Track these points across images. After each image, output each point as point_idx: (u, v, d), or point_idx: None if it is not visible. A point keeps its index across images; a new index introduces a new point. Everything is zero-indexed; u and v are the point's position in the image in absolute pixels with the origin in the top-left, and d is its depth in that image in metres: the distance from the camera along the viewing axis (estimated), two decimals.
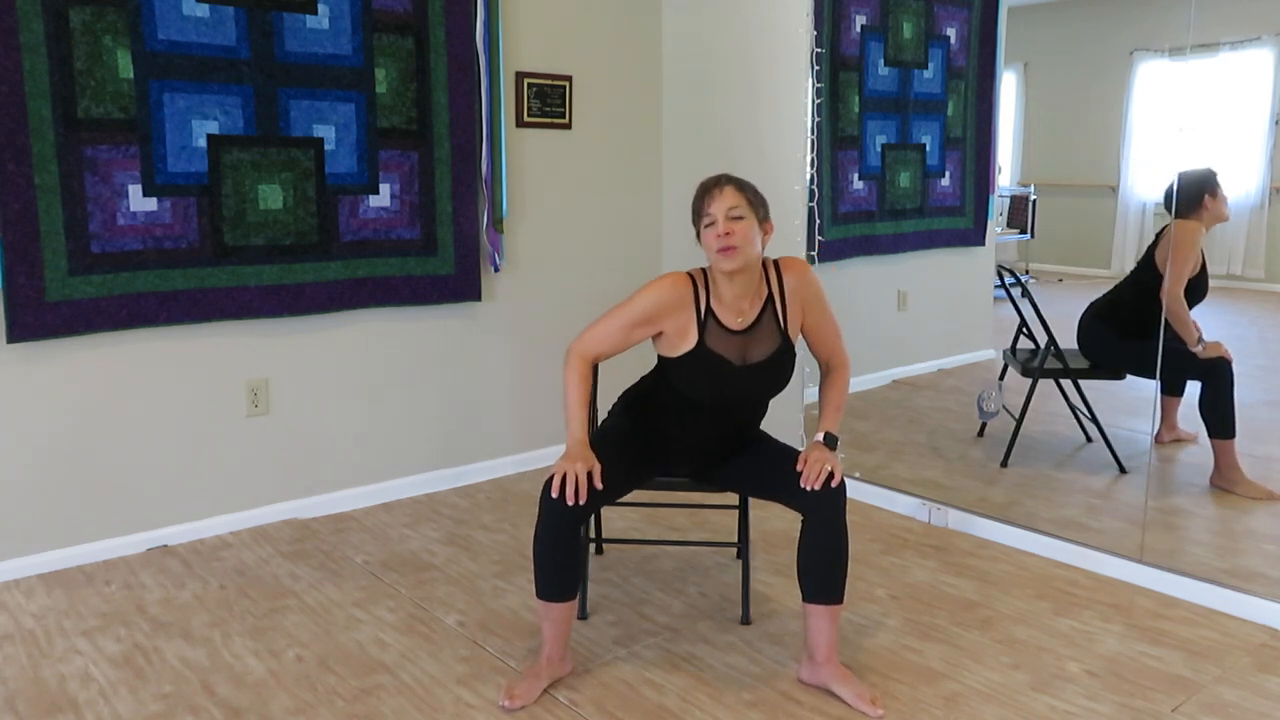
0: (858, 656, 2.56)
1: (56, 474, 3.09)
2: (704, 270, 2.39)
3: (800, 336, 2.46)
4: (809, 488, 2.29)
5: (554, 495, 2.23)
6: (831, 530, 2.32)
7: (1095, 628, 2.71)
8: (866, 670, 2.49)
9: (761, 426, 2.64)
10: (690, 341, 2.35)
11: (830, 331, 2.47)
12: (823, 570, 2.32)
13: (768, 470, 2.45)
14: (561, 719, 2.29)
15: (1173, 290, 3.13)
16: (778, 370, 2.40)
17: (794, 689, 2.40)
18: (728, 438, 2.54)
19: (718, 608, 2.85)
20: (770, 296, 2.38)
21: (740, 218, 2.27)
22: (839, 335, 2.48)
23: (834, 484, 2.30)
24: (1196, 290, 3.19)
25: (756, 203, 2.31)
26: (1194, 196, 3.14)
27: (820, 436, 2.42)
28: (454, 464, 3.91)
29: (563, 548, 2.31)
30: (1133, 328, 3.27)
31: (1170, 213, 3.16)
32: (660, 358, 2.45)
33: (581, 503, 2.22)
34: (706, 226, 2.30)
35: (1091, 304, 3.54)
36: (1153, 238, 3.34)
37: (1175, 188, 3.16)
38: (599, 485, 2.25)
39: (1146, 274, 3.27)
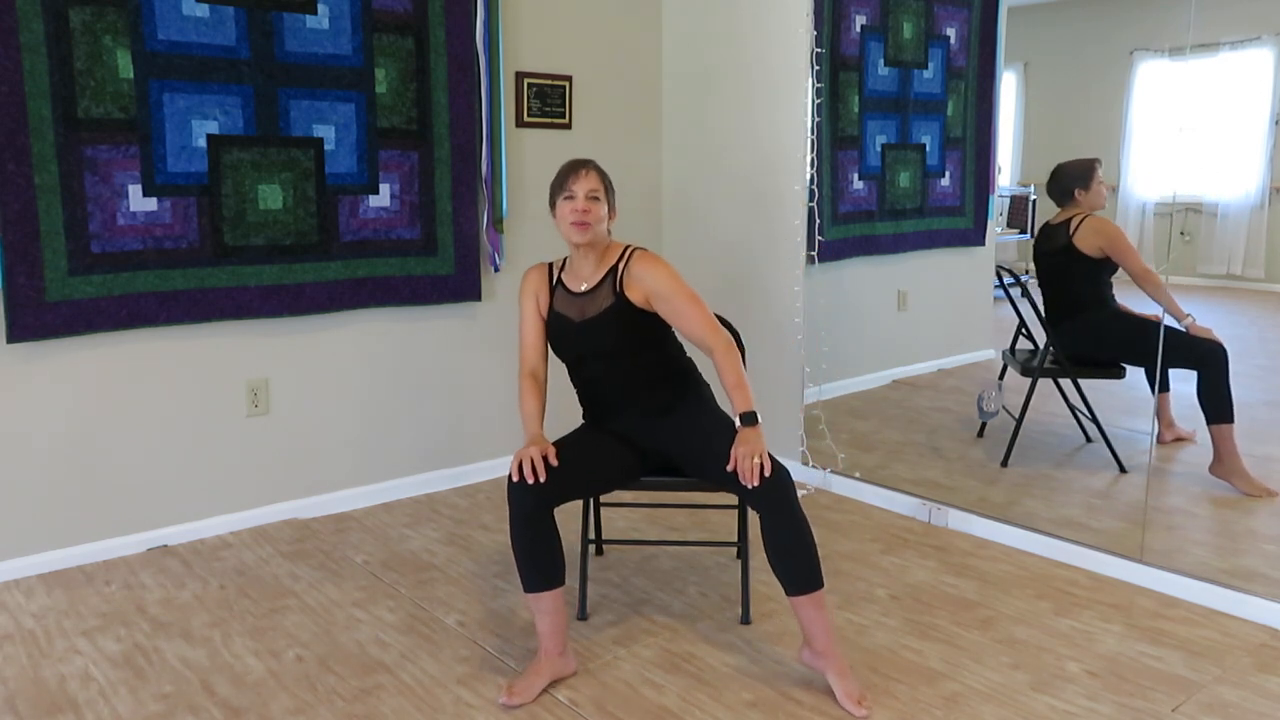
0: (858, 656, 2.56)
1: (56, 474, 3.09)
2: (564, 258, 2.67)
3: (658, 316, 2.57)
4: (748, 484, 2.30)
5: (514, 479, 2.34)
6: (787, 519, 2.32)
7: (1095, 628, 2.71)
8: (866, 670, 2.49)
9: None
10: (545, 307, 2.64)
11: (690, 315, 2.50)
12: (792, 561, 2.33)
13: (714, 466, 2.44)
14: (562, 719, 2.29)
15: (1140, 267, 3.36)
16: (617, 321, 2.55)
17: (794, 689, 2.40)
18: (632, 397, 2.62)
19: (718, 608, 2.85)
20: (613, 268, 2.57)
21: (597, 199, 2.51)
22: (705, 319, 2.50)
23: (768, 473, 2.30)
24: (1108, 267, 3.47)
25: (610, 190, 2.57)
26: (1066, 189, 3.48)
27: (738, 421, 2.40)
28: (454, 464, 3.91)
29: (535, 536, 2.36)
30: (1086, 304, 3.54)
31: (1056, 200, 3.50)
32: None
33: (542, 479, 2.32)
34: (565, 199, 2.52)
35: (1049, 319, 3.62)
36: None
37: (1053, 185, 3.52)
38: (554, 462, 2.37)
39: (1069, 261, 3.51)
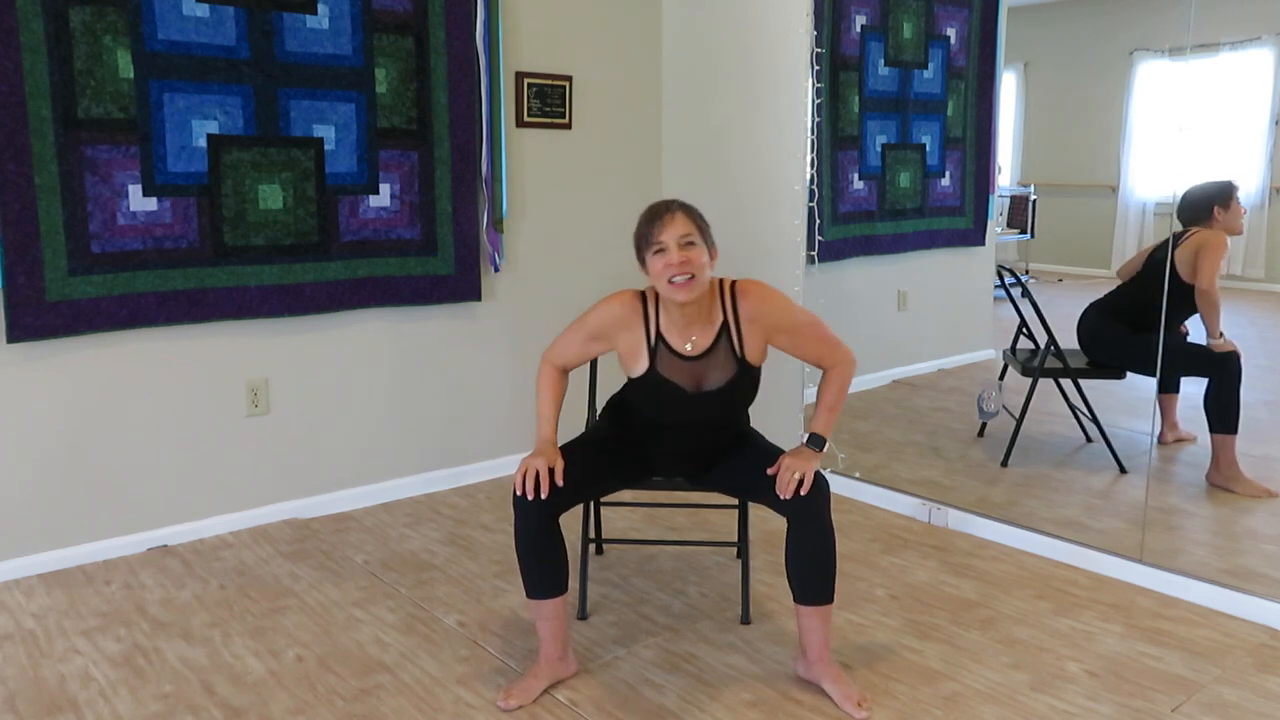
0: (858, 656, 2.56)
1: (56, 474, 3.09)
2: (654, 293, 2.32)
3: (774, 349, 2.41)
4: (782, 496, 2.27)
5: (517, 492, 2.27)
6: (816, 533, 2.30)
7: (1095, 628, 2.71)
8: (866, 670, 2.49)
9: (754, 425, 2.64)
10: (642, 366, 2.33)
11: (810, 340, 2.37)
12: (810, 572, 2.31)
13: (750, 475, 2.41)
14: (562, 719, 2.29)
15: (1209, 284, 3.13)
16: (734, 396, 2.37)
17: (794, 689, 2.40)
18: (703, 449, 2.51)
19: (718, 608, 2.85)
20: (725, 324, 2.31)
21: (693, 244, 2.20)
22: (825, 339, 2.38)
23: (804, 491, 2.24)
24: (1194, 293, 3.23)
25: (706, 229, 2.26)
26: (1203, 208, 3.14)
27: (804, 438, 2.36)
28: (454, 464, 3.91)
29: (539, 544, 2.32)
30: (1141, 321, 3.27)
31: (1182, 221, 3.18)
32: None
33: (543, 496, 2.24)
34: (656, 253, 2.21)
35: (1095, 302, 3.54)
36: (1153, 239, 3.34)
37: (1187, 199, 3.17)
38: (559, 481, 2.26)
39: (1162, 276, 3.28)
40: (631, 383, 2.40)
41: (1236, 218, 3.15)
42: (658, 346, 2.31)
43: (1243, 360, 3.20)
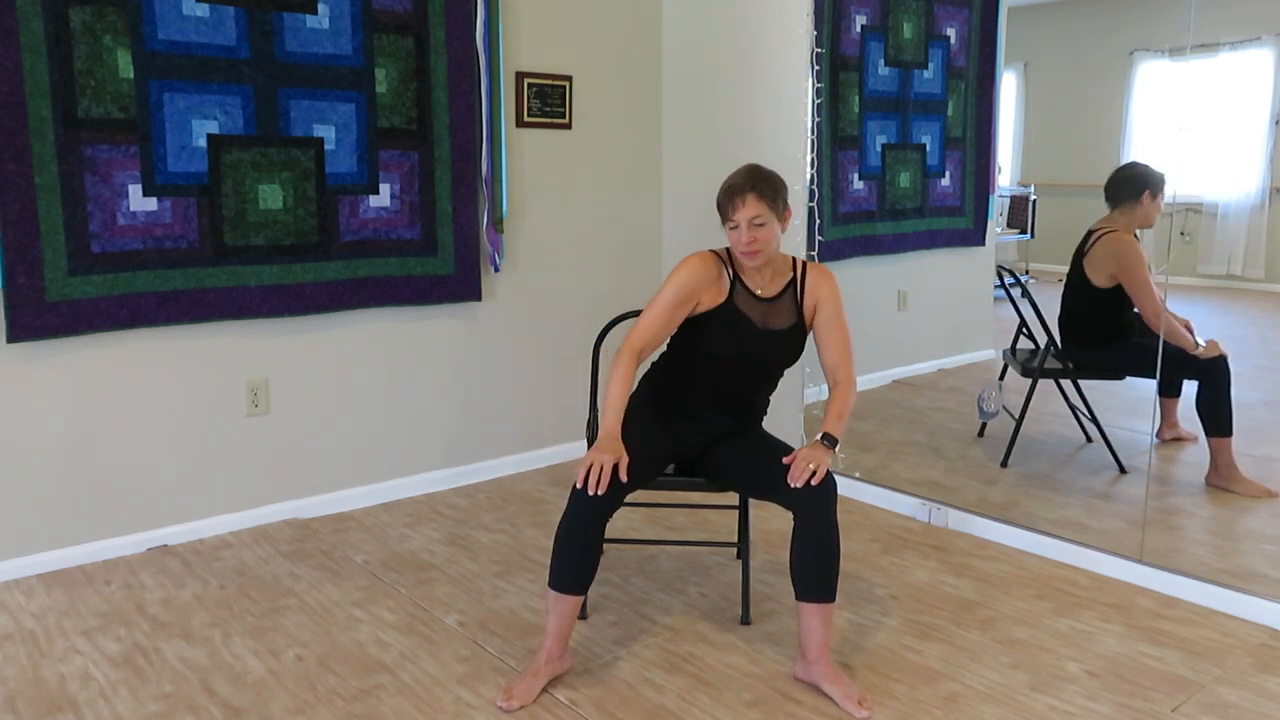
0: (858, 656, 2.56)
1: (56, 474, 3.09)
2: (727, 249, 2.54)
3: (811, 336, 2.59)
4: (794, 484, 2.32)
5: (579, 485, 2.29)
6: (821, 529, 2.33)
7: (1095, 628, 2.71)
8: (866, 670, 2.49)
9: (764, 425, 2.67)
10: (720, 299, 2.51)
11: (839, 340, 2.55)
12: (814, 569, 2.34)
13: (761, 466, 2.47)
14: (562, 719, 2.29)
15: (1154, 308, 3.15)
16: (791, 340, 2.55)
17: (794, 689, 2.40)
18: (735, 407, 2.62)
19: (718, 608, 2.85)
20: (793, 280, 2.55)
21: (762, 225, 2.40)
22: (848, 350, 2.56)
23: (816, 481, 2.32)
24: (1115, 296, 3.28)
25: (778, 202, 2.44)
26: (1133, 191, 3.22)
27: (819, 436, 2.45)
28: (454, 464, 3.91)
29: (587, 538, 2.33)
30: (1101, 334, 3.40)
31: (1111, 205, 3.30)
32: (686, 325, 2.54)
33: (601, 492, 2.27)
34: (730, 228, 2.43)
35: (1060, 317, 3.56)
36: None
37: (1124, 175, 3.26)
38: (624, 478, 2.30)
39: (1080, 287, 3.36)
40: (702, 319, 2.52)
41: (1157, 211, 3.20)
42: (735, 284, 2.52)
43: (1243, 361, 3.20)
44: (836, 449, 2.45)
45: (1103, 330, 3.40)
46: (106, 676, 2.47)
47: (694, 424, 2.60)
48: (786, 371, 2.68)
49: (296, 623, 2.76)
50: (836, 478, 3.77)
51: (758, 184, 2.41)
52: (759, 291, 2.52)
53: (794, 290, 2.54)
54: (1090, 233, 3.38)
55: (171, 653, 2.59)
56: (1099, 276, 3.29)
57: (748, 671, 2.49)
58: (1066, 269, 3.64)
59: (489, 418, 3.98)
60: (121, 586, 2.99)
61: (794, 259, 2.57)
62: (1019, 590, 2.95)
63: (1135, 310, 3.30)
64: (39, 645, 2.63)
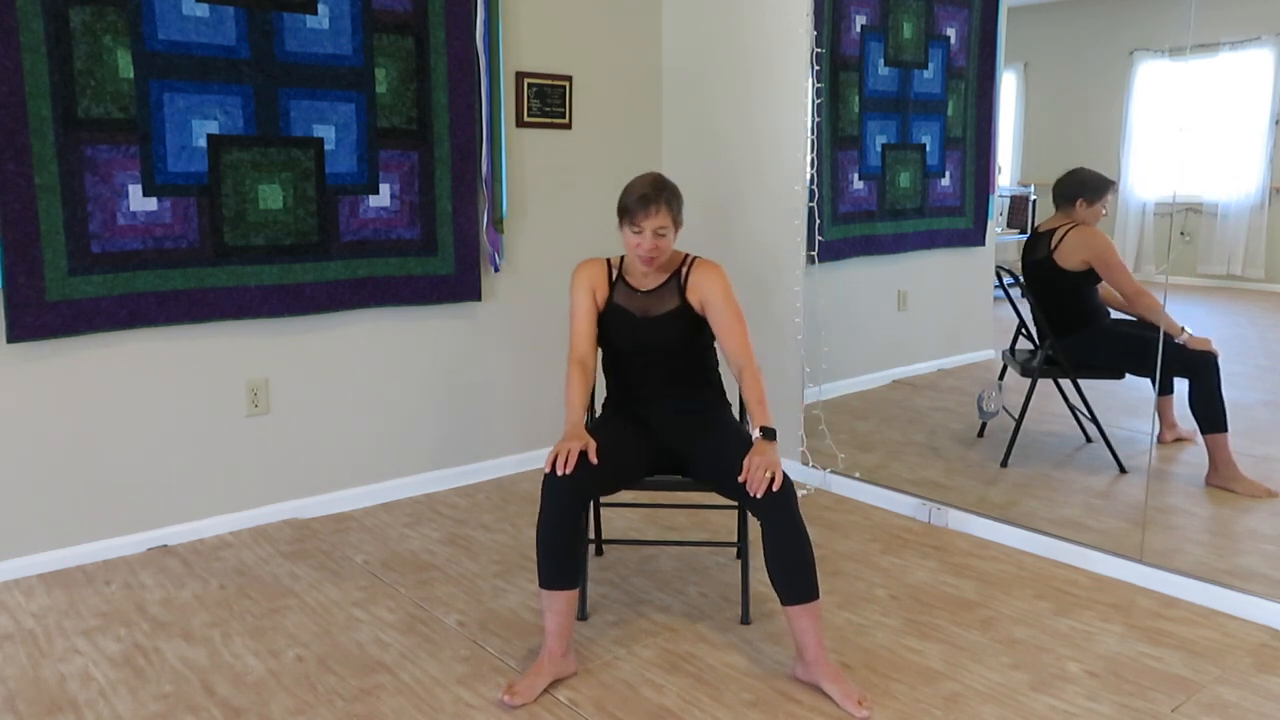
0: (858, 656, 2.56)
1: (56, 474, 3.09)
2: (621, 258, 2.73)
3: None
4: (755, 494, 2.32)
5: (547, 470, 2.36)
6: (789, 531, 2.34)
7: (1095, 628, 2.71)
8: (866, 670, 2.49)
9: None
10: (606, 297, 2.69)
11: (735, 329, 2.61)
12: (791, 571, 2.35)
13: (725, 473, 2.46)
14: (562, 719, 2.29)
15: (1132, 287, 3.32)
16: (678, 322, 2.64)
17: (793, 689, 2.40)
18: (675, 391, 2.70)
19: (718, 608, 2.85)
20: (677, 273, 2.66)
21: (664, 235, 2.55)
22: (744, 335, 2.62)
23: (776, 486, 2.32)
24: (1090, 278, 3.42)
25: (679, 213, 2.59)
26: (1069, 197, 3.43)
27: (756, 433, 2.46)
28: (454, 464, 3.91)
29: (564, 530, 2.36)
30: (1077, 315, 3.51)
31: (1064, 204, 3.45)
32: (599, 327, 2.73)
33: (569, 471, 2.33)
34: (633, 231, 2.55)
35: (1041, 333, 3.60)
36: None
37: (1059, 183, 3.44)
38: (593, 460, 2.38)
39: (1053, 276, 3.47)
40: (600, 320, 2.69)
41: (1096, 216, 3.39)
42: (618, 282, 2.69)
43: (1244, 361, 3.19)
44: (777, 437, 2.46)
45: (1077, 309, 3.51)
46: (106, 676, 2.47)
47: (653, 417, 2.68)
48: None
49: (296, 623, 2.76)
50: (836, 478, 3.81)
51: (670, 198, 2.55)
52: (640, 286, 2.66)
53: (677, 281, 2.65)
54: (1043, 232, 3.50)
55: (171, 653, 2.59)
56: (1071, 262, 3.42)
57: (748, 671, 2.49)
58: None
59: (489, 417, 3.98)
60: (121, 586, 2.99)
61: (686, 256, 2.68)
62: (1019, 590, 2.95)
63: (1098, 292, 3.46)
64: (39, 645, 2.63)
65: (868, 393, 4.11)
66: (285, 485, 3.52)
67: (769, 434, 2.44)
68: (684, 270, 2.65)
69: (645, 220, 2.52)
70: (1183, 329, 3.18)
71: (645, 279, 2.67)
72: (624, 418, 2.71)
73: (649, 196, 2.52)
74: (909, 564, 3.15)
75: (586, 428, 2.53)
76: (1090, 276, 3.42)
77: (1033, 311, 3.62)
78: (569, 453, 2.36)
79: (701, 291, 2.62)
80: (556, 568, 2.37)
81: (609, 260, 2.73)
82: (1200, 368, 3.19)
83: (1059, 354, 3.54)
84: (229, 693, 2.39)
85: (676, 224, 2.59)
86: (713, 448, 2.57)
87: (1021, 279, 3.66)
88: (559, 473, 2.34)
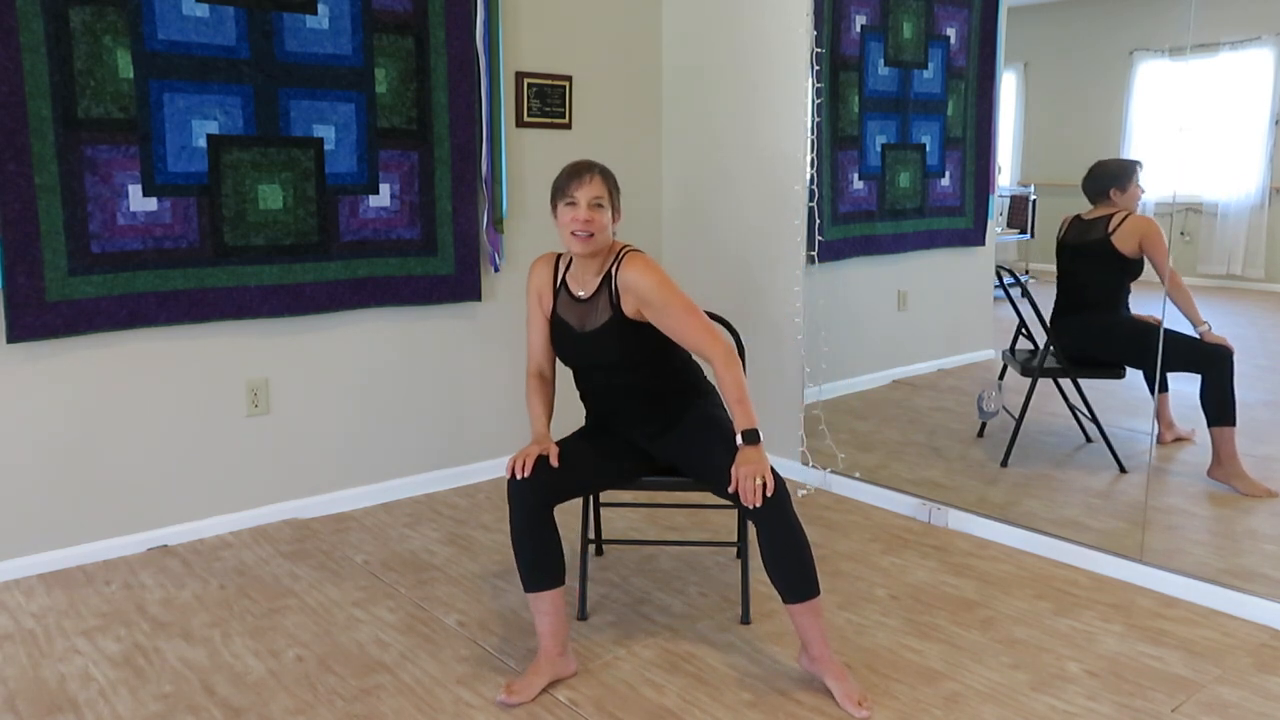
0: (858, 656, 2.56)
1: (56, 474, 3.09)
2: (570, 260, 2.56)
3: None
4: (751, 505, 2.28)
5: (506, 474, 2.38)
6: (784, 532, 2.33)
7: (1095, 628, 2.71)
8: (866, 670, 2.49)
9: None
10: (549, 308, 2.56)
11: (685, 326, 2.41)
12: (789, 571, 2.34)
13: (716, 484, 2.42)
14: (561, 718, 2.29)
15: (1175, 276, 3.27)
16: (616, 334, 2.46)
17: (794, 689, 2.40)
18: (642, 400, 2.56)
19: (718, 608, 2.85)
20: (607, 275, 2.47)
21: (601, 206, 2.40)
22: (700, 329, 2.40)
23: (769, 493, 2.28)
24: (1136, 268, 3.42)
25: (616, 194, 2.46)
26: (1102, 188, 3.42)
27: (739, 439, 2.35)
28: (454, 464, 3.91)
29: (535, 535, 2.37)
30: (1115, 302, 3.50)
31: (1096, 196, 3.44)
32: None
33: (526, 474, 2.34)
34: (567, 204, 2.40)
35: (1059, 312, 3.59)
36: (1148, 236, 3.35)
37: (1089, 177, 3.45)
38: (554, 462, 2.39)
39: (1108, 258, 3.45)
40: (550, 333, 2.59)
41: (1134, 199, 3.37)
42: (560, 290, 2.55)
43: (1243, 361, 3.20)
44: (762, 439, 2.35)
45: (1116, 293, 3.51)
46: (106, 676, 2.47)
47: (627, 425, 2.62)
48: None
49: (296, 623, 2.76)
50: (836, 477, 3.81)
51: (604, 172, 2.44)
52: (579, 293, 2.50)
53: (608, 287, 2.45)
54: (1091, 219, 3.47)
55: (171, 653, 2.59)
56: (1128, 246, 3.39)
57: (748, 671, 2.49)
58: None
59: (489, 417, 3.98)
60: (121, 586, 2.99)
61: (619, 248, 2.49)
62: (1019, 590, 2.95)
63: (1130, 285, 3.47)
64: (39, 645, 2.63)
65: (868, 393, 4.11)
66: (285, 485, 3.52)
67: (751, 438, 2.33)
68: (614, 270, 2.44)
69: (579, 190, 2.37)
70: (1205, 323, 3.21)
71: (584, 279, 2.48)
72: (598, 429, 2.65)
73: (581, 167, 2.42)
74: (909, 564, 3.15)
75: (572, 435, 2.56)
76: (1138, 266, 3.41)
77: (1058, 294, 3.59)
78: (526, 457, 2.37)
79: (634, 293, 2.40)
80: (534, 570, 2.39)
81: (558, 259, 2.58)
82: (1214, 360, 3.20)
83: (1066, 339, 3.54)
84: (229, 693, 2.39)
85: (614, 206, 2.44)
86: (698, 457, 2.50)
87: (1028, 272, 3.67)
88: (518, 476, 2.36)
